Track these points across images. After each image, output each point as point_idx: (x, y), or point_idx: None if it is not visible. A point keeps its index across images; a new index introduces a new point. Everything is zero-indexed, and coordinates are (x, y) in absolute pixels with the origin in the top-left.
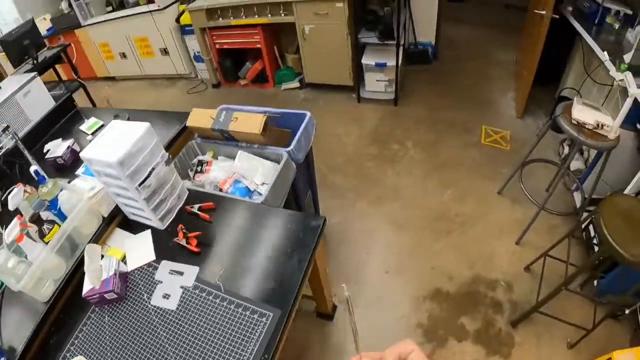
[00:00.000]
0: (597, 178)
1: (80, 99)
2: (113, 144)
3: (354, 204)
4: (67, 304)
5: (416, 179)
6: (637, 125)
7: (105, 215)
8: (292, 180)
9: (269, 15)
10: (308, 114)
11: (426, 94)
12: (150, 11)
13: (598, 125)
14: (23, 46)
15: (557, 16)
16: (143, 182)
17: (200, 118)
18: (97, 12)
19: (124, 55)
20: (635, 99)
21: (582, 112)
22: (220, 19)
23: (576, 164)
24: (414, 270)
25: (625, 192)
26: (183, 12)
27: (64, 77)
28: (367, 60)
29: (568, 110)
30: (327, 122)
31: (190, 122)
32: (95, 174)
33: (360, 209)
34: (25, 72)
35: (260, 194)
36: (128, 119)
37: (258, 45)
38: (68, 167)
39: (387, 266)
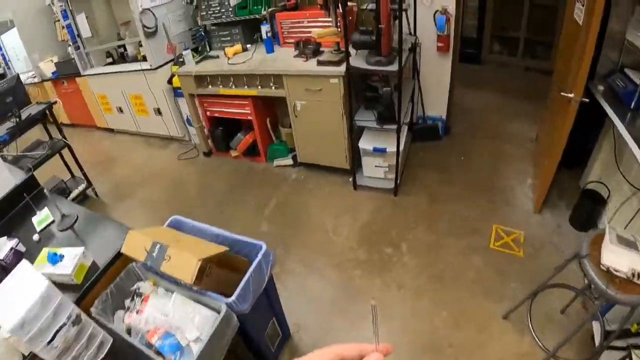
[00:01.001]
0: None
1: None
2: (13, 300)
3: (332, 320)
4: None
5: (406, 294)
6: None
7: (26, 354)
8: (236, 331)
9: (259, 87)
10: (263, 247)
11: (431, 181)
12: (143, 70)
13: (634, 274)
14: (5, 103)
15: (587, 100)
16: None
17: (135, 247)
18: (98, 63)
19: (120, 110)
20: None
21: (615, 255)
22: (210, 86)
23: None
24: None
25: None
26: (174, 74)
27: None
28: (365, 144)
29: (597, 247)
30: (316, 210)
31: (125, 249)
32: None
33: (338, 328)
34: (7, 129)
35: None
36: (76, 221)
37: (249, 117)
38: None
39: None
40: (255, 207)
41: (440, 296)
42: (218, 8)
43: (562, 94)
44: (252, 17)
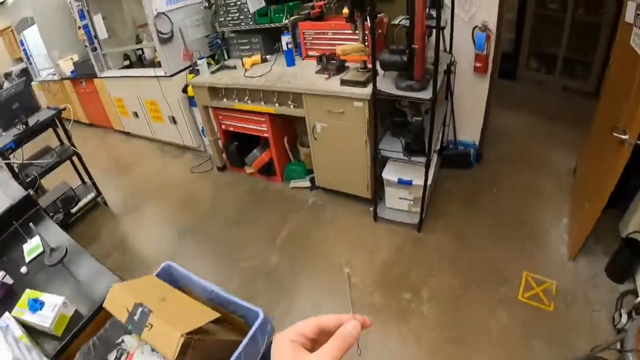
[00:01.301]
0: None
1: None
2: None
3: None
4: None
5: (422, 350)
6: None
7: None
8: None
9: (277, 104)
10: (260, 315)
11: (459, 215)
12: (157, 77)
13: None
14: (12, 110)
15: None
16: None
17: (117, 303)
18: (115, 65)
19: (136, 115)
20: None
21: None
22: (225, 99)
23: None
24: None
25: None
26: (190, 80)
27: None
28: (389, 174)
29: None
30: (332, 243)
31: (107, 305)
32: None
33: None
34: (14, 136)
35: None
36: (64, 256)
37: (265, 135)
38: None
39: None
40: (268, 233)
41: (460, 354)
42: (237, 14)
43: (615, 134)
44: (273, 25)
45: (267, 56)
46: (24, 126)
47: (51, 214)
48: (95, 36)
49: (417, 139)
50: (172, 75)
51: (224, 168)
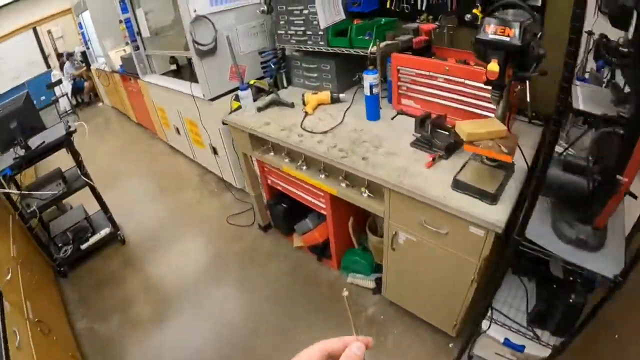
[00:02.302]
0: None
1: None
2: None
3: None
4: None
5: None
6: None
7: None
8: None
9: (343, 184)
10: None
11: None
12: (193, 96)
13: None
14: (9, 130)
15: None
16: None
17: None
18: (161, 68)
19: (177, 131)
20: None
21: None
22: (272, 153)
23: None
24: None
25: None
26: (234, 110)
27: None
28: (495, 332)
29: None
30: None
31: None
32: None
33: None
34: (14, 159)
35: None
36: None
37: (323, 212)
38: None
39: None
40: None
41: None
42: (302, 29)
43: None
44: (353, 52)
45: (341, 95)
46: (24, 150)
47: (60, 245)
48: (139, 33)
49: (563, 323)
50: (211, 100)
51: (267, 227)
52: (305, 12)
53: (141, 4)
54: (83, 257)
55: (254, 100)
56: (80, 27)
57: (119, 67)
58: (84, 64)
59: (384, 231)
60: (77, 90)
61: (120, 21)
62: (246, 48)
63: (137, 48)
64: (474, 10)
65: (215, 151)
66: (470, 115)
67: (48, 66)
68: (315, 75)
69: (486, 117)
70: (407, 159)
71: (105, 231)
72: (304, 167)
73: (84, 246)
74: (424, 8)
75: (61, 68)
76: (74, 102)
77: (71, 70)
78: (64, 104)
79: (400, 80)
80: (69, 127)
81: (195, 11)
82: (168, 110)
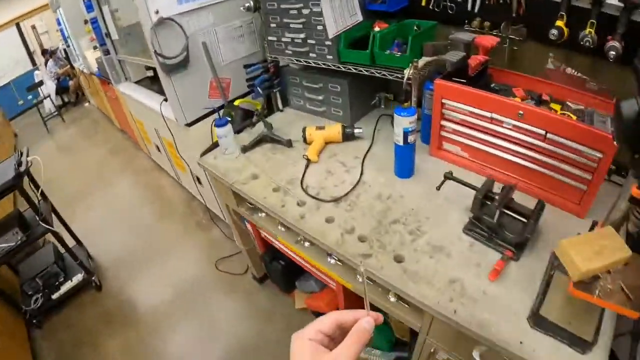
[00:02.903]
0: None
1: None
2: None
3: None
4: None
5: None
6: None
7: None
8: None
9: (360, 279)
10: None
11: None
12: (164, 119)
13: None
14: None
15: None
16: None
17: None
18: (136, 75)
19: (158, 149)
20: None
21: None
22: (262, 214)
23: None
24: None
25: None
26: (213, 145)
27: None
28: None
29: None
30: None
31: None
32: None
33: None
34: None
35: None
36: None
37: (332, 286)
38: None
39: None
40: None
41: None
42: (302, 36)
43: None
44: (376, 72)
45: (356, 129)
46: None
47: (30, 293)
48: (107, 34)
49: None
50: (187, 125)
51: (262, 280)
52: (306, 12)
53: (108, 0)
54: (56, 307)
55: (239, 131)
56: (59, 24)
57: (96, 70)
58: (67, 62)
59: (416, 345)
60: (62, 89)
61: (86, 21)
62: (230, 55)
63: (107, 52)
64: (558, 23)
65: (199, 180)
66: (542, 179)
67: (34, 63)
68: (321, 97)
69: (567, 186)
70: (461, 259)
71: (77, 278)
72: (307, 244)
73: (54, 296)
74: (476, 9)
75: (46, 65)
76: (59, 102)
77: (54, 69)
78: (48, 105)
79: (444, 118)
80: (20, 164)
81: (157, 12)
82: (146, 125)
